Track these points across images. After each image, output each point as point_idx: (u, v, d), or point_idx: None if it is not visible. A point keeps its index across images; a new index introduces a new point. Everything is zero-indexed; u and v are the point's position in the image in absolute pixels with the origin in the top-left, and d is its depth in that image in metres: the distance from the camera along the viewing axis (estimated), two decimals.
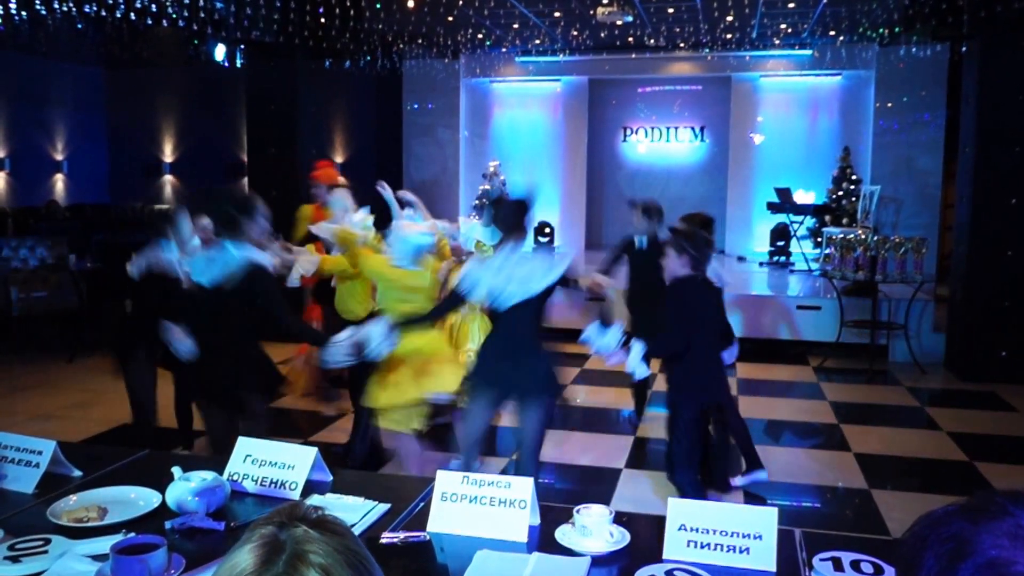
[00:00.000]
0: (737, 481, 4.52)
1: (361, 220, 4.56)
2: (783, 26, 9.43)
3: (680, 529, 1.74)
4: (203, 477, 1.90)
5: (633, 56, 11.07)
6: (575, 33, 9.90)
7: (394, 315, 3.51)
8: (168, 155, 13.40)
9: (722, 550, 1.70)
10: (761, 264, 10.56)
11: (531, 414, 3.38)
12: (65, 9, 7.56)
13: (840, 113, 10.89)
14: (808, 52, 10.50)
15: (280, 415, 5.65)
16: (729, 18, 8.89)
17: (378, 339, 3.20)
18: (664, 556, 1.71)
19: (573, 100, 11.64)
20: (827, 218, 10.28)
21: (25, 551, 1.68)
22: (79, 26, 8.51)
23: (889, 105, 10.12)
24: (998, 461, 5.06)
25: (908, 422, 5.94)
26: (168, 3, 7.67)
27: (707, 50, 10.74)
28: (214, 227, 3.48)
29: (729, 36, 9.99)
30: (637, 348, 3.47)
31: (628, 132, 12.44)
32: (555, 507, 1.92)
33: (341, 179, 5.58)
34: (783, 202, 10.32)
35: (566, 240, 11.47)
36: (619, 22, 8.64)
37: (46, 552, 1.68)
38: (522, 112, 11.87)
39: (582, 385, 6.74)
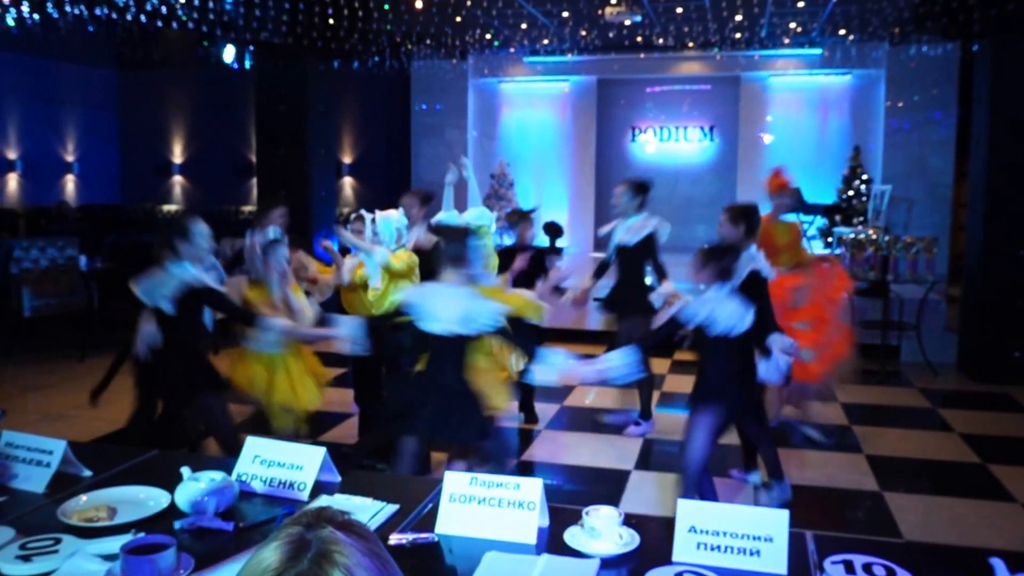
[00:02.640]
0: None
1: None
2: (792, 25, 9.38)
3: (690, 531, 1.73)
4: (212, 477, 1.91)
5: (642, 56, 11.05)
6: (583, 33, 9.88)
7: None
8: (178, 156, 13.45)
9: (732, 552, 1.69)
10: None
11: None
12: (77, 12, 7.60)
13: (850, 112, 10.82)
14: (818, 51, 10.44)
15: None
16: (738, 17, 8.84)
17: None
18: (674, 558, 1.70)
19: (582, 100, 11.62)
20: (838, 218, 10.22)
21: (36, 550, 1.69)
22: (90, 28, 8.55)
23: (900, 104, 10.05)
24: (1011, 463, 5.02)
25: (920, 423, 5.90)
26: (178, 5, 7.70)
27: (716, 49, 10.70)
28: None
29: (738, 35, 9.95)
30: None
31: (637, 132, 12.38)
32: (564, 509, 1.91)
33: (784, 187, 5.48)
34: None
35: (575, 240, 11.44)
36: (627, 22, 8.61)
37: (57, 552, 1.68)
38: (530, 112, 11.84)
39: (589, 386, 6.73)
